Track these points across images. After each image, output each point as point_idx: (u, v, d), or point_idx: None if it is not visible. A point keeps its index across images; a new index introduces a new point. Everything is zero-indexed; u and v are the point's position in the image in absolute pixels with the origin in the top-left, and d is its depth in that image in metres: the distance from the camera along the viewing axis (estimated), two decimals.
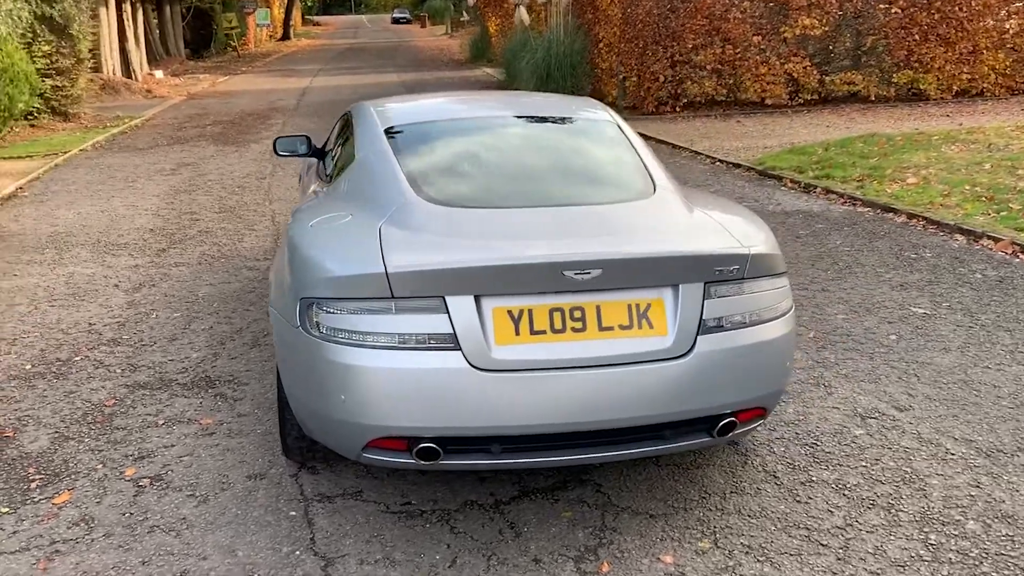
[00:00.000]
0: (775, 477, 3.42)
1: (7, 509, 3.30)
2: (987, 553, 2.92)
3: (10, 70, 13.04)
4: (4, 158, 11.80)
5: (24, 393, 4.35)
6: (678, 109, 14.47)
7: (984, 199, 7.49)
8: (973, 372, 4.33)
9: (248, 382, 4.41)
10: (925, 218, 7.17)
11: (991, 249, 6.35)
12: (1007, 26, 14.35)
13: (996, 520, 3.10)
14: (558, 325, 2.78)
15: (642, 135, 13.07)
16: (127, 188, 9.74)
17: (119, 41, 22.10)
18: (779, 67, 14.13)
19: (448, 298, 2.74)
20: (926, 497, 3.25)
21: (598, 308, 2.80)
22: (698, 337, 2.85)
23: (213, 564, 2.95)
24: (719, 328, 2.89)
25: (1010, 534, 3.02)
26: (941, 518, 3.12)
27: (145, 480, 3.50)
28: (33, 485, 3.48)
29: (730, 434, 3.01)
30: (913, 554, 2.92)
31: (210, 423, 3.98)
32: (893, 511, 3.17)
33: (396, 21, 73.83)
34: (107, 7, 20.79)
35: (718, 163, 10.33)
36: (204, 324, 5.27)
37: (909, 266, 6.06)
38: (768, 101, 14.44)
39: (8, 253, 7.06)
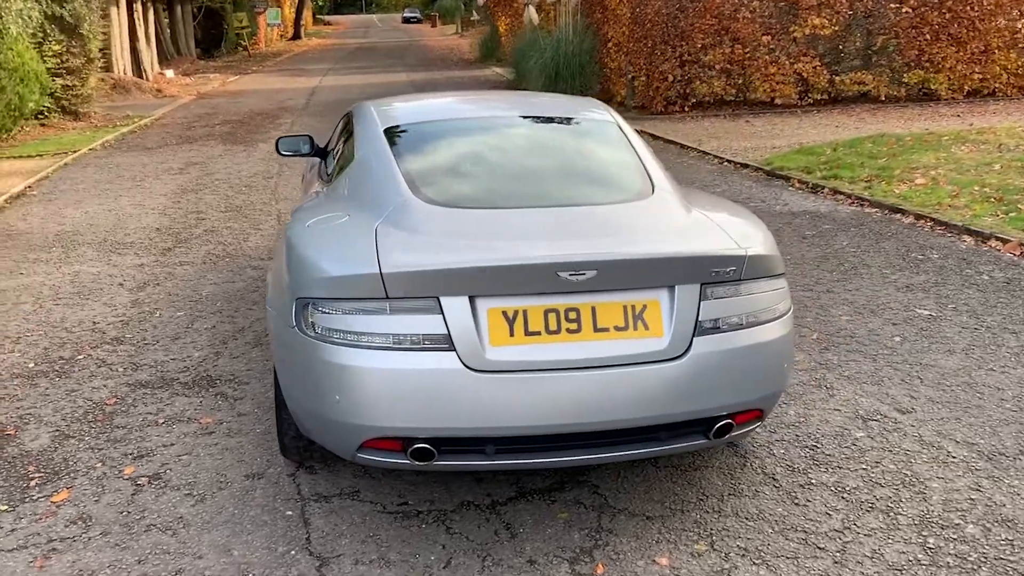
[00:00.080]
0: (774, 479, 3.40)
1: (6, 507, 3.32)
2: (986, 557, 2.89)
3: (20, 69, 13.11)
4: (14, 157, 11.87)
5: (27, 391, 4.36)
6: (687, 109, 14.43)
7: (993, 200, 7.43)
8: (977, 374, 4.30)
9: (249, 381, 4.41)
10: (933, 219, 7.13)
11: (999, 250, 6.30)
12: (1019, 25, 14.25)
13: (996, 524, 3.07)
14: (553, 326, 2.77)
15: (650, 135, 13.04)
16: (135, 187, 9.78)
17: (130, 41, 22.20)
18: (789, 67, 14.07)
19: (443, 299, 2.74)
20: (926, 500, 3.23)
21: (593, 309, 2.79)
22: (694, 339, 2.83)
23: (208, 563, 2.95)
24: (715, 330, 2.87)
25: (1010, 538, 2.99)
26: (940, 522, 3.10)
27: (143, 479, 3.51)
28: (32, 483, 3.49)
29: (727, 436, 2.99)
30: (911, 558, 2.90)
31: (210, 422, 3.99)
32: (892, 514, 3.14)
33: (407, 20, 73.97)
34: (118, 7, 20.89)
35: (726, 163, 10.30)
36: (207, 323, 5.29)
37: (915, 267, 6.02)
38: (778, 101, 14.39)
39: (15, 251, 7.09)
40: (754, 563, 2.89)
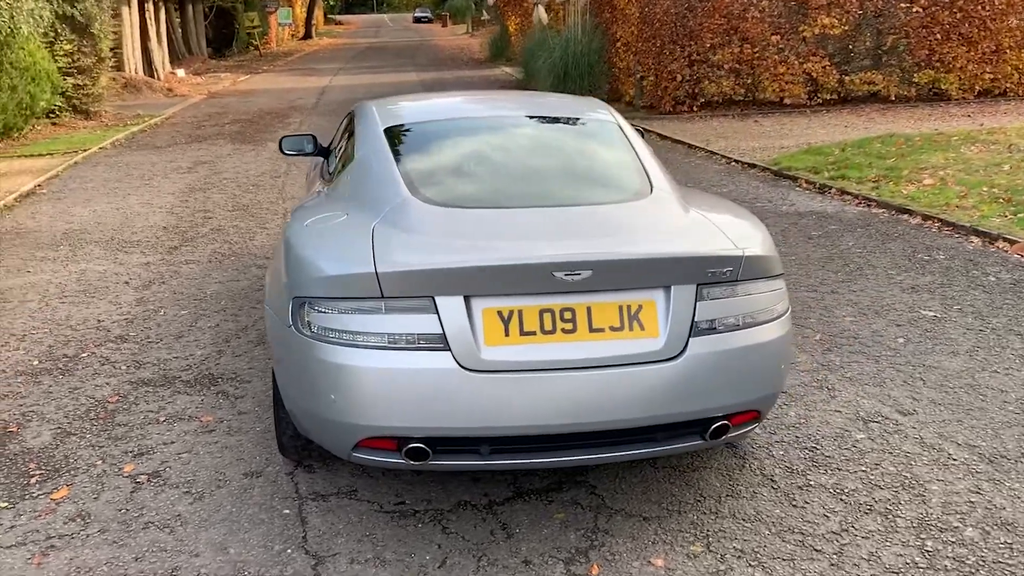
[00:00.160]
0: (772, 481, 3.39)
1: (6, 504, 3.34)
2: (984, 561, 2.87)
3: (32, 69, 13.20)
4: (25, 156, 11.94)
5: (30, 389, 4.39)
6: (695, 109, 14.39)
7: (1002, 200, 7.38)
8: (981, 376, 4.27)
9: (250, 380, 4.43)
10: (940, 219, 7.09)
11: (1007, 252, 6.26)
12: None
13: (995, 527, 3.05)
14: (548, 326, 2.76)
15: (658, 134, 13.01)
16: (143, 186, 9.83)
17: (142, 40, 22.30)
18: (798, 67, 14.02)
19: (438, 298, 2.74)
20: (925, 503, 3.21)
21: (589, 309, 2.79)
22: (690, 339, 2.82)
23: (204, 561, 2.96)
24: (712, 330, 2.86)
25: (1009, 542, 2.97)
26: (939, 524, 3.08)
27: (143, 477, 3.52)
28: (33, 480, 3.51)
29: (723, 437, 2.98)
30: (908, 561, 2.88)
31: (210, 420, 4.00)
32: (890, 517, 3.13)
33: (418, 20, 74.03)
34: (129, 6, 20.99)
35: (733, 163, 10.27)
36: (210, 321, 5.30)
37: (921, 268, 5.99)
38: (787, 101, 14.33)
39: (23, 250, 7.14)
40: (750, 565, 2.88)
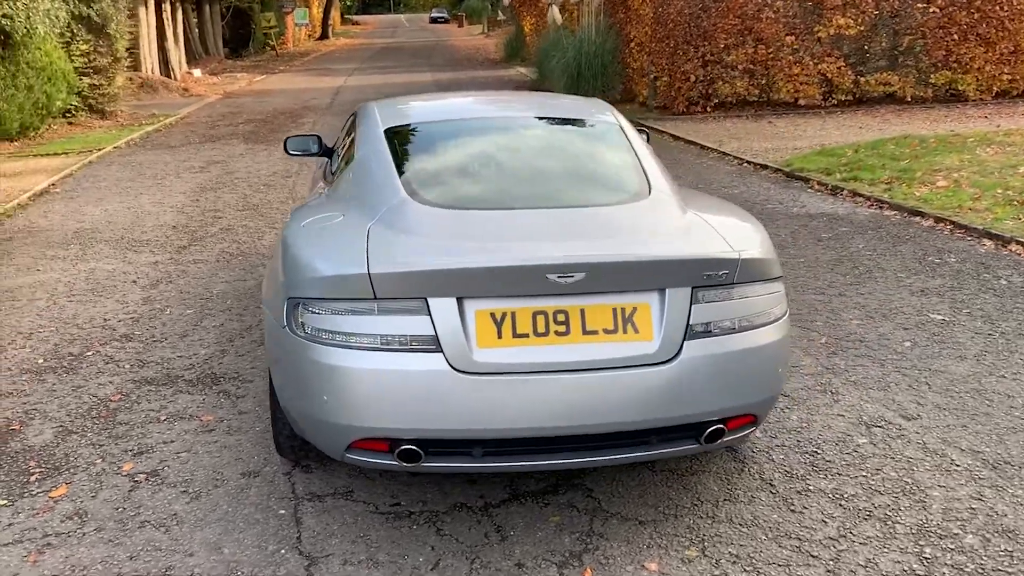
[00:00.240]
0: (771, 485, 3.36)
1: (5, 501, 3.35)
2: (983, 569, 2.83)
3: (48, 68, 13.32)
4: (41, 155, 12.04)
5: (34, 387, 4.42)
6: (709, 109, 14.33)
7: (1016, 203, 7.29)
8: (987, 381, 4.22)
9: (252, 379, 4.43)
10: (953, 222, 7.01)
11: (1019, 255, 6.19)
12: None
13: (996, 535, 3.01)
14: (541, 328, 2.75)
15: (671, 135, 12.97)
16: (155, 185, 9.88)
17: (158, 40, 22.45)
18: (812, 67, 13.93)
19: (430, 300, 2.73)
20: (925, 509, 3.17)
21: (582, 312, 2.77)
22: (684, 342, 2.80)
23: (198, 561, 2.96)
24: (707, 333, 2.84)
25: (1009, 549, 2.93)
26: (939, 531, 3.04)
27: (141, 475, 3.53)
28: (32, 478, 3.53)
29: (719, 441, 2.95)
30: (906, 568, 2.85)
31: (211, 420, 4.01)
32: (889, 523, 3.09)
33: (434, 20, 74.19)
34: (146, 7, 21.13)
35: (745, 164, 10.21)
36: (215, 321, 5.32)
37: (932, 271, 5.93)
38: (801, 102, 14.24)
39: (34, 248, 7.19)
40: (745, 570, 2.85)
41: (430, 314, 2.72)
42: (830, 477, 3.41)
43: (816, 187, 8.79)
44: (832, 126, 12.56)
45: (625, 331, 2.78)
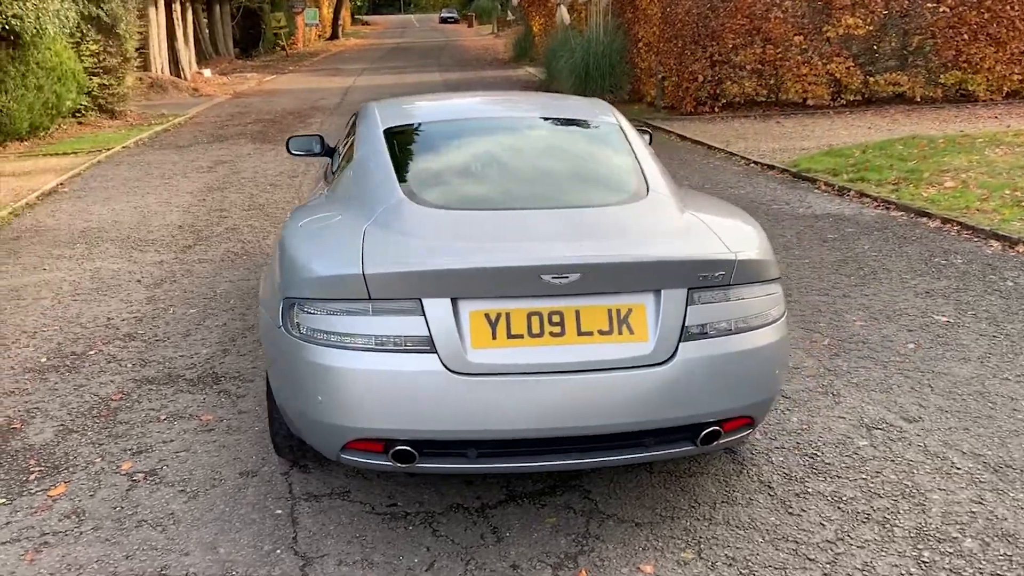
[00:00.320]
0: (769, 488, 3.34)
1: (3, 500, 3.37)
2: (982, 573, 2.81)
3: (58, 69, 13.39)
4: (50, 154, 12.10)
5: (36, 386, 4.43)
6: (717, 109, 14.29)
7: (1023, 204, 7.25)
8: (991, 383, 4.18)
9: (253, 379, 4.44)
10: (960, 223, 6.97)
11: None
12: None
13: (995, 539, 2.98)
14: (536, 329, 2.74)
15: (678, 135, 12.93)
16: (162, 185, 9.92)
17: (168, 40, 22.54)
18: (821, 67, 13.88)
19: (425, 300, 2.72)
20: (924, 512, 3.15)
21: (577, 313, 2.76)
22: (680, 344, 2.78)
23: (194, 560, 2.96)
24: (703, 335, 2.82)
25: (1008, 553, 2.90)
26: (937, 535, 3.01)
27: (140, 475, 3.54)
28: (32, 477, 3.54)
29: (715, 443, 2.93)
30: (904, 571, 2.82)
31: (210, 419, 4.02)
32: (888, 526, 3.07)
33: (444, 21, 74.25)
34: (156, 7, 21.22)
35: (752, 165, 10.17)
36: (218, 320, 5.33)
37: (937, 272, 5.89)
38: (810, 102, 14.19)
39: (40, 247, 7.22)
40: (740, 573, 2.83)
41: (424, 315, 2.72)
42: (829, 480, 3.39)
43: (823, 188, 8.75)
44: (840, 126, 12.50)
45: (620, 332, 2.76)
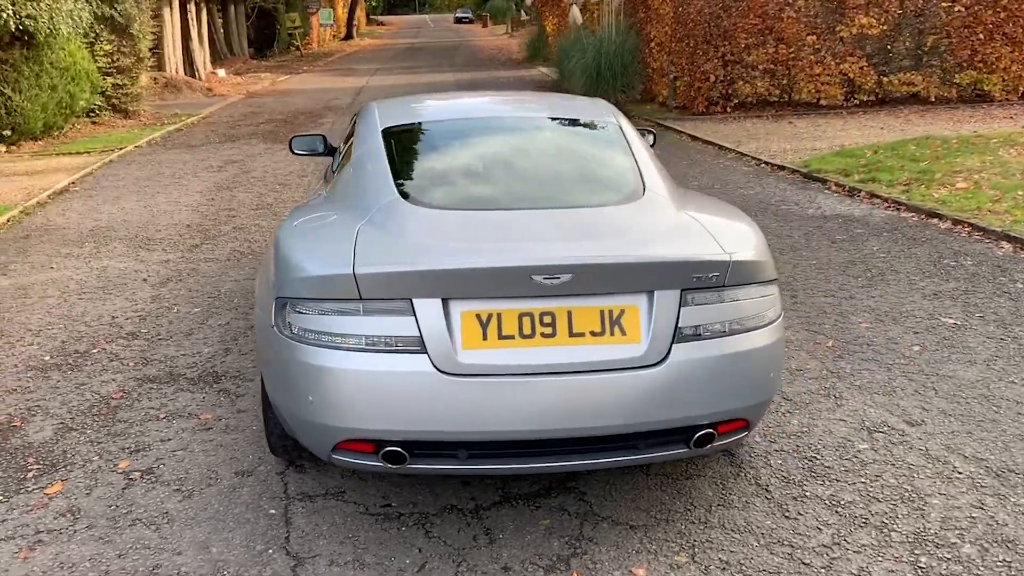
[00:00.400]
0: (767, 491, 3.30)
1: (0, 497, 3.38)
2: None
3: (72, 68, 13.48)
4: (63, 154, 12.19)
5: (38, 384, 4.45)
6: (729, 109, 14.21)
7: None
8: (996, 387, 4.13)
9: (253, 378, 4.44)
10: (971, 224, 6.89)
11: None
12: None
13: (995, 544, 2.94)
14: (527, 330, 2.72)
15: (690, 135, 12.86)
16: (172, 184, 9.96)
17: (183, 41, 22.66)
18: (834, 67, 13.78)
19: (415, 301, 2.71)
20: (923, 517, 3.10)
21: (569, 314, 2.73)
22: (673, 345, 2.76)
23: (186, 560, 2.96)
24: (696, 336, 2.79)
25: (1008, 560, 2.86)
26: (936, 540, 2.97)
27: (136, 473, 3.54)
28: (29, 475, 3.55)
29: (709, 446, 2.90)
30: None
31: (209, 418, 4.02)
32: (885, 531, 3.03)
33: (458, 21, 74.34)
34: (171, 7, 21.34)
35: (763, 165, 10.11)
36: (221, 319, 5.34)
37: (946, 274, 5.83)
38: (823, 102, 14.09)
39: (49, 246, 7.27)
40: None
41: (415, 315, 2.70)
42: (828, 483, 3.35)
43: (833, 188, 8.68)
44: (853, 127, 12.41)
45: (612, 333, 2.74)
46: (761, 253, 3.01)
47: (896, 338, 4.77)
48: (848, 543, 2.97)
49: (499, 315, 2.72)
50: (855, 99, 14.02)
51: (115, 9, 15.01)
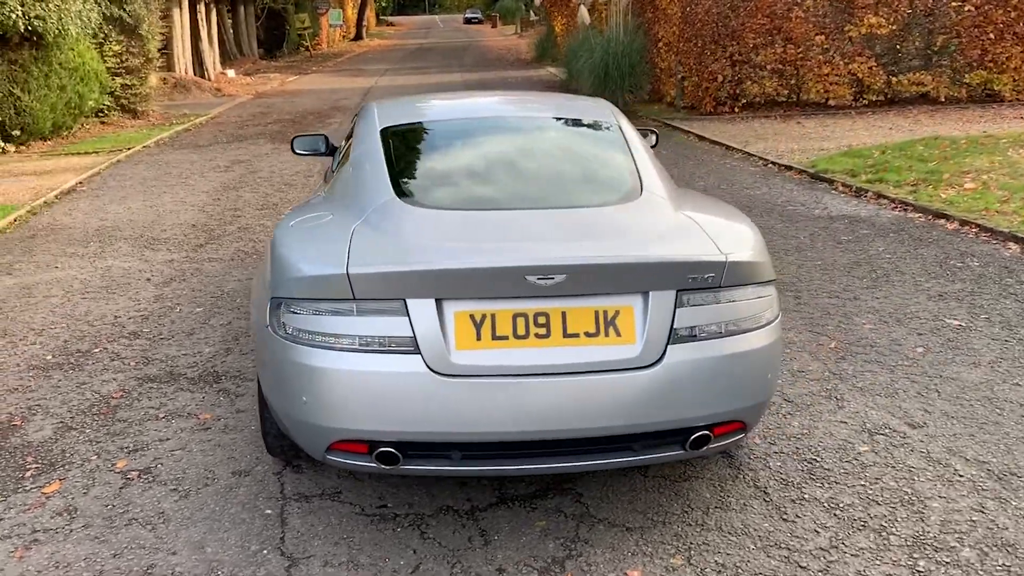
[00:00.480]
0: (765, 493, 3.28)
1: None
2: None
3: (80, 69, 13.54)
4: (72, 153, 12.24)
5: (39, 383, 4.46)
6: (737, 109, 14.17)
7: None
8: (1000, 389, 4.09)
9: (252, 378, 4.43)
10: (978, 225, 6.84)
11: None
12: None
13: (995, 548, 2.91)
14: (521, 331, 2.70)
15: (697, 135, 12.83)
16: (179, 184, 9.99)
17: (193, 41, 22.73)
18: (843, 67, 13.72)
19: (409, 301, 2.70)
20: (923, 520, 3.07)
21: (563, 314, 2.72)
22: (668, 347, 2.74)
23: (180, 560, 2.96)
24: (692, 338, 2.77)
25: (1007, 564, 2.83)
26: (935, 543, 2.94)
27: (134, 473, 3.54)
28: (28, 474, 3.56)
29: (704, 448, 2.88)
30: None
31: (208, 418, 4.02)
32: (884, 534, 3.00)
33: (468, 21, 74.39)
34: (180, 8, 21.41)
35: (770, 165, 10.07)
36: (223, 319, 5.34)
37: (952, 275, 5.78)
38: (831, 102, 14.04)
39: (55, 245, 7.29)
40: None
41: (409, 315, 2.69)
42: (827, 486, 3.32)
43: (840, 189, 8.63)
44: (862, 127, 12.35)
45: (607, 334, 2.72)
46: (758, 254, 2.98)
47: (900, 339, 4.73)
48: (846, 546, 2.94)
49: (493, 315, 2.70)
50: (864, 99, 13.97)
51: (124, 10, 15.07)
